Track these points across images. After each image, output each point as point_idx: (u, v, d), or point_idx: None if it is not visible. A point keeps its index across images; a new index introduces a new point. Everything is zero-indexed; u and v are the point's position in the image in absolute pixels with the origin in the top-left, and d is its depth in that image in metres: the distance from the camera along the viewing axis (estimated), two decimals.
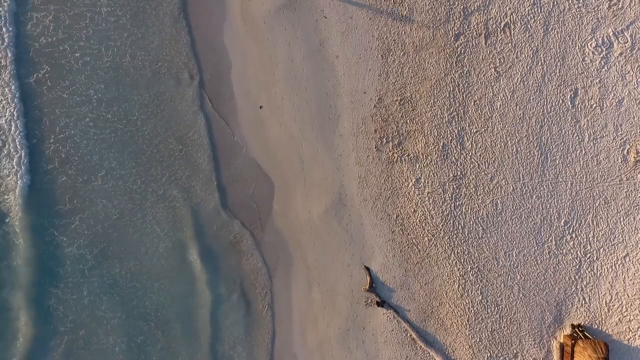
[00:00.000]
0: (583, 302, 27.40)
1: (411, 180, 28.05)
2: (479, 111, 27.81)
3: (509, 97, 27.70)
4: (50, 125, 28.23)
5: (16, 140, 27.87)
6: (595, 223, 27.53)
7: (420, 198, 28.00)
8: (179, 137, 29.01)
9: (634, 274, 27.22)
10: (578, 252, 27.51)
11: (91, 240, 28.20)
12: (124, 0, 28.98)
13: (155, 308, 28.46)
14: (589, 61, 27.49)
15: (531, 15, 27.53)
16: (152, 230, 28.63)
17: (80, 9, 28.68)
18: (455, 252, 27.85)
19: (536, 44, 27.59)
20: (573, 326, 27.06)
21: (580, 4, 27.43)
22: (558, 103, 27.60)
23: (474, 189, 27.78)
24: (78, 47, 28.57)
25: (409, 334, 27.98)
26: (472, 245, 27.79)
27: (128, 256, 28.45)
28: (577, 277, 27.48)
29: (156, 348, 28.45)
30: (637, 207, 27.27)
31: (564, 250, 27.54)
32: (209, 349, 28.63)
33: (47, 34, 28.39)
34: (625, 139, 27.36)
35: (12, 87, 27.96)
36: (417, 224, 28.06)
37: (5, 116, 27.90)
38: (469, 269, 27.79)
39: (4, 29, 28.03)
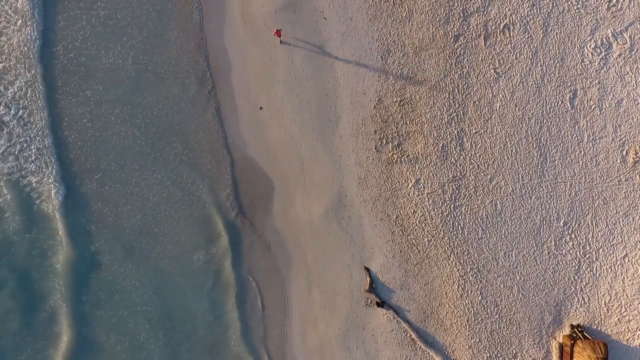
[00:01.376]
0: (582, 302, 27.49)
1: (411, 181, 28.13)
2: (479, 112, 27.88)
3: (508, 98, 27.78)
4: (78, 131, 28.76)
5: (46, 146, 28.33)
6: (594, 224, 27.61)
7: (419, 199, 28.08)
8: (184, 142, 29.25)
9: (633, 275, 27.31)
10: (577, 253, 27.60)
11: (123, 242, 28.75)
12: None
13: (183, 311, 29.08)
14: (588, 62, 27.58)
15: (530, 16, 27.61)
16: (180, 236, 29.09)
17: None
18: (455, 252, 27.93)
19: (535, 45, 27.67)
20: (572, 326, 27.15)
21: (579, 5, 27.51)
22: (557, 104, 27.68)
23: (473, 190, 27.86)
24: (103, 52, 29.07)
25: (408, 335, 28.06)
26: (472, 246, 27.87)
27: (157, 258, 29.01)
28: (576, 277, 27.57)
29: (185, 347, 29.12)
30: (636, 207, 27.36)
31: (563, 251, 27.63)
32: (238, 347, 29.13)
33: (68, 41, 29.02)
34: (624, 139, 27.45)
35: (41, 98, 28.42)
36: (416, 224, 28.14)
37: (35, 124, 28.40)
38: (468, 269, 27.86)
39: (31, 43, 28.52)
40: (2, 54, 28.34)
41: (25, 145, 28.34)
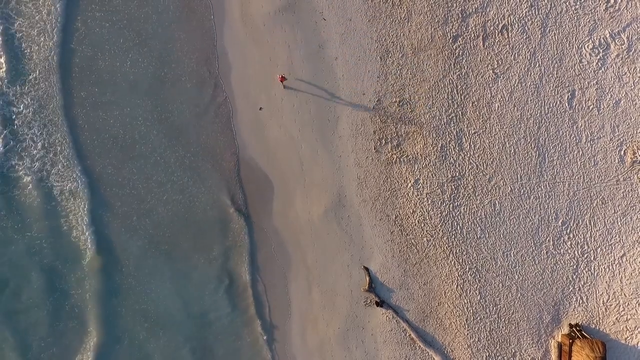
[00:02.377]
0: (581, 301, 27.60)
1: (410, 181, 28.25)
2: (477, 112, 28.01)
3: (506, 99, 27.91)
4: (97, 132, 29.34)
5: (69, 149, 28.92)
6: (592, 223, 27.73)
7: (419, 199, 28.20)
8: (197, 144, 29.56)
9: (631, 274, 27.43)
10: (575, 252, 27.72)
11: (142, 244, 29.18)
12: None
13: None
14: (586, 63, 27.70)
15: (529, 17, 27.74)
16: (196, 236, 29.53)
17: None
18: (454, 252, 28.05)
19: (534, 45, 27.80)
20: (571, 325, 27.27)
21: (577, 6, 27.64)
22: (555, 104, 27.81)
23: (472, 190, 27.98)
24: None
25: (408, 334, 28.18)
26: (471, 246, 27.99)
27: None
28: (574, 277, 27.68)
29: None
30: (634, 207, 27.48)
31: (562, 250, 27.75)
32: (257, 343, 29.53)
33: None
34: (622, 139, 27.56)
35: (60, 111, 28.99)
36: (415, 224, 28.26)
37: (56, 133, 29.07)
38: (467, 269, 27.99)
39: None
40: (22, 57, 28.97)
41: (41, 145, 28.88)
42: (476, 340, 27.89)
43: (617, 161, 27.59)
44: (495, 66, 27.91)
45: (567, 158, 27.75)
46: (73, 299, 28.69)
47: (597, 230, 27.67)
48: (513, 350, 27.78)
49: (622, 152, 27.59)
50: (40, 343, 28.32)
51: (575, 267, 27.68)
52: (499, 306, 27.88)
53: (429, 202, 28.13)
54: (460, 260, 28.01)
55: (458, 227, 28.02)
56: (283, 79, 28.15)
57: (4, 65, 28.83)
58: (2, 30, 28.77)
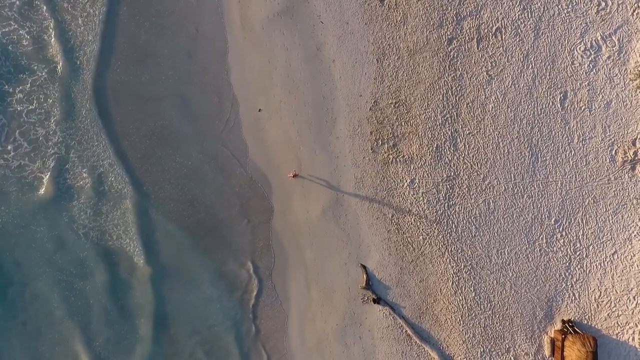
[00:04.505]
0: (573, 298, 28.19)
1: (406, 181, 28.81)
2: (472, 113, 28.56)
3: (500, 100, 28.46)
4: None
5: (115, 161, 29.96)
6: (584, 221, 28.29)
7: (415, 198, 28.77)
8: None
9: (622, 271, 28.01)
10: (568, 250, 28.29)
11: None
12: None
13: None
14: (578, 64, 28.24)
15: (521, 20, 28.29)
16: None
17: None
18: (449, 250, 28.62)
19: (527, 48, 28.35)
20: (563, 321, 27.84)
21: (569, 9, 28.18)
22: (548, 105, 28.36)
23: (466, 189, 28.55)
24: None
25: (404, 330, 28.74)
26: (466, 244, 28.55)
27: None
28: (567, 274, 28.27)
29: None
30: (625, 205, 28.05)
31: (555, 248, 28.32)
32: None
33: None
34: (613, 139, 28.12)
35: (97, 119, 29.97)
36: (412, 223, 28.83)
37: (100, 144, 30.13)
38: (462, 266, 28.56)
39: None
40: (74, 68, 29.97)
41: (90, 161, 29.95)
42: (471, 336, 28.46)
43: (608, 161, 28.14)
44: (489, 68, 28.46)
45: (559, 158, 28.31)
46: (125, 304, 29.86)
47: (589, 229, 28.24)
48: (507, 346, 28.36)
49: (613, 152, 28.13)
50: (95, 345, 29.84)
51: (567, 264, 28.25)
52: (493, 303, 28.46)
53: (425, 201, 28.70)
54: (456, 258, 28.58)
55: (453, 226, 28.59)
56: (295, 175, 28.99)
57: (60, 65, 29.65)
58: (55, 29, 29.89)
